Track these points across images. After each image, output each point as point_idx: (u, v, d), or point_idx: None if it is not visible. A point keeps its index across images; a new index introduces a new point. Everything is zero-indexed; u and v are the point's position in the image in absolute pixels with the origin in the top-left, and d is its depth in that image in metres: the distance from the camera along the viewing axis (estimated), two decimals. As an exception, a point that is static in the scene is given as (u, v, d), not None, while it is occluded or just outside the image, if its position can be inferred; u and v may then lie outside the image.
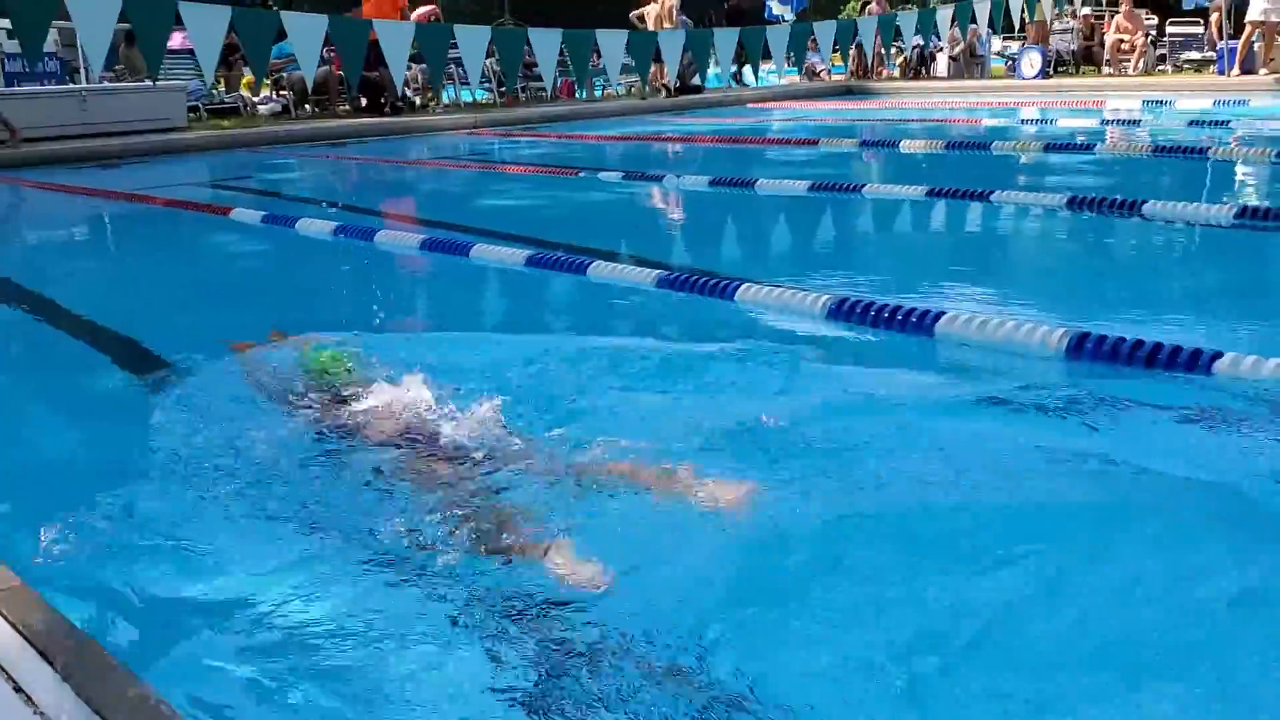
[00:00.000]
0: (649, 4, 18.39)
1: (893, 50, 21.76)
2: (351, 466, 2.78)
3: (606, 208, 8.13)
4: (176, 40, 12.78)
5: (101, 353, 4.10)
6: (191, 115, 14.27)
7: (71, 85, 13.52)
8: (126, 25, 10.75)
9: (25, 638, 1.83)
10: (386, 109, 15.12)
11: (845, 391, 3.29)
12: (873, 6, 21.01)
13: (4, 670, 1.74)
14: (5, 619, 1.89)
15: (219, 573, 2.35)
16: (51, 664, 1.76)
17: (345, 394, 3.13)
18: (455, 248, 5.92)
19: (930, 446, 2.80)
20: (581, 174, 9.53)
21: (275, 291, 5.55)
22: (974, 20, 18.10)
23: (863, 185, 7.64)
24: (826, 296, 4.14)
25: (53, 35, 12.63)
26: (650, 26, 17.53)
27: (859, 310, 3.99)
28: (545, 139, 13.41)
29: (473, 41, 10.54)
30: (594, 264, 5.14)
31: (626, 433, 2.85)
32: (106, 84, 13.29)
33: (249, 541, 2.47)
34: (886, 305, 3.93)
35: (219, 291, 5.52)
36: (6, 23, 12.96)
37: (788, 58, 15.85)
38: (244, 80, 16.30)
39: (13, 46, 14.17)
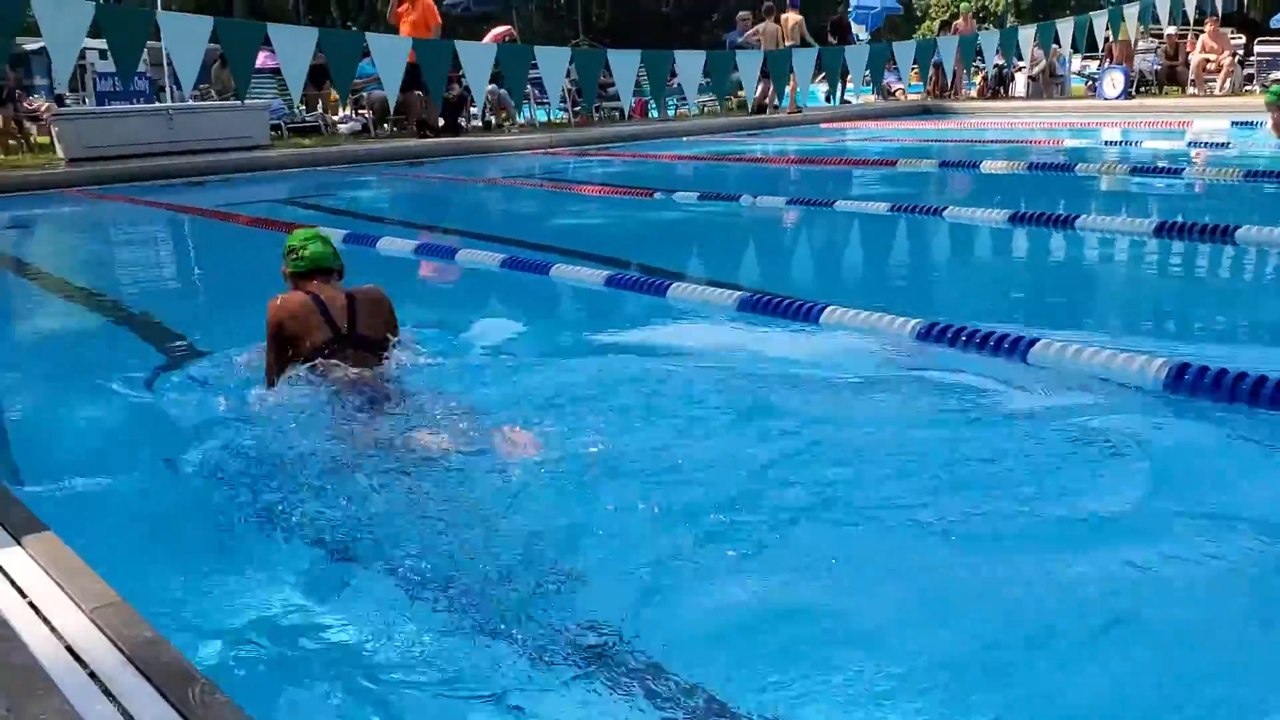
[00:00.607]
0: (764, 22, 18.33)
1: (971, 69, 21.55)
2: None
3: (683, 227, 8.11)
4: (259, 59, 13.05)
5: (193, 368, 4.15)
6: (273, 134, 14.54)
7: (159, 104, 13.85)
8: (217, 45, 11.00)
9: (124, 653, 1.85)
10: (443, 126, 15.28)
11: (939, 416, 3.23)
12: (959, 23, 20.81)
13: (105, 686, 1.75)
14: (105, 634, 1.91)
15: (306, 586, 2.36)
16: (150, 680, 1.77)
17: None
18: (535, 267, 5.94)
19: (1030, 476, 2.74)
20: (657, 194, 9.53)
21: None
22: (1056, 40, 17.84)
23: (943, 208, 7.53)
24: (916, 321, 4.07)
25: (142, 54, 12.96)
26: (765, 47, 17.49)
27: (949, 335, 3.90)
28: (621, 158, 13.45)
29: (553, 62, 10.62)
30: (674, 285, 5.12)
31: (701, 454, 2.85)
32: (192, 103, 13.60)
33: (341, 561, 2.48)
34: (978, 331, 3.84)
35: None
36: (99, 43, 13.32)
37: (865, 77, 15.77)
38: (331, 98, 16.59)
39: (104, 66, 14.58)
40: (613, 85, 15.12)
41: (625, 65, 11.06)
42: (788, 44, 17.30)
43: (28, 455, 3.27)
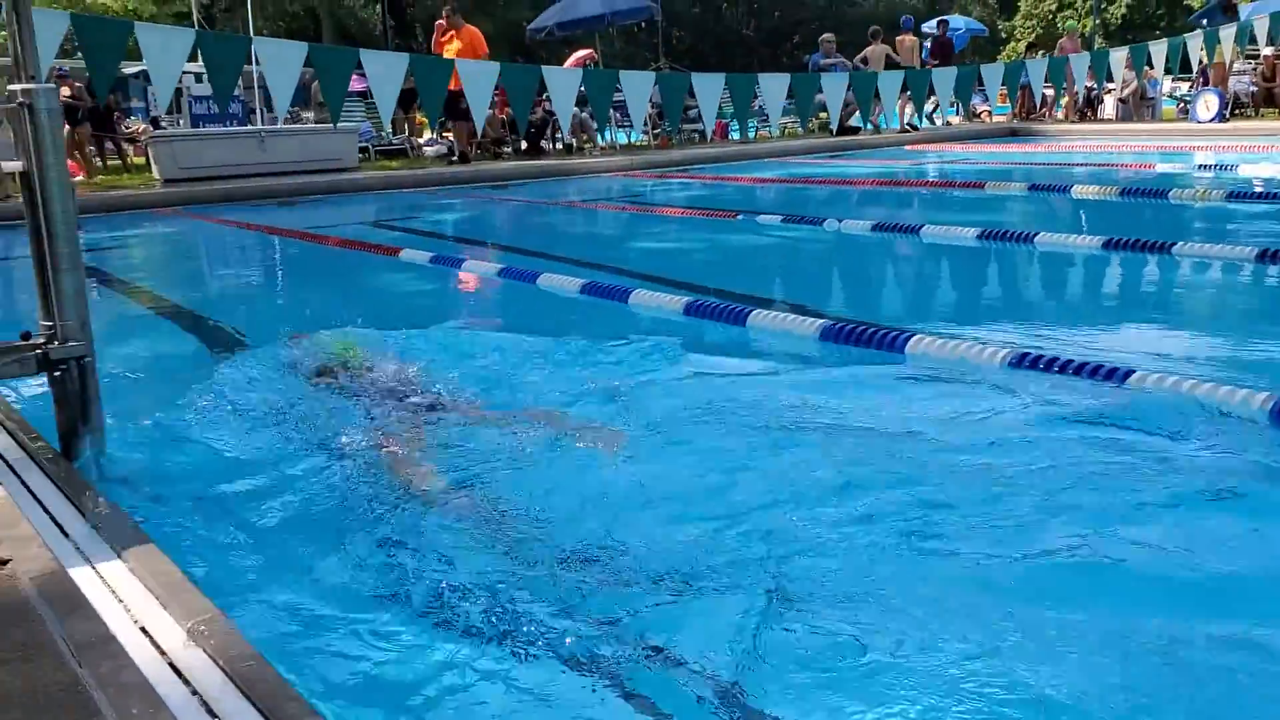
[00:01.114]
0: (871, 46, 18.36)
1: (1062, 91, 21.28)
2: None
3: (765, 252, 8.09)
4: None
5: (284, 383, 4.23)
6: (361, 156, 14.83)
7: (251, 127, 14.22)
8: (311, 69, 11.28)
9: (226, 672, 1.87)
10: (526, 149, 15.46)
11: (1033, 452, 3.16)
12: (1064, 42, 20.57)
13: (208, 705, 1.78)
14: (207, 653, 1.93)
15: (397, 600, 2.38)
16: (250, 699, 1.79)
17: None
18: (614, 293, 5.94)
19: (1130, 511, 2.67)
20: (740, 216, 9.52)
21: (439, 329, 5.65)
22: (1149, 62, 17.50)
23: (1034, 234, 7.39)
24: (1005, 350, 3.99)
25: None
26: (872, 67, 17.50)
27: (1042, 365, 3.82)
28: (702, 181, 13.47)
29: (637, 86, 10.70)
30: (754, 313, 5.07)
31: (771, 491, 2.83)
32: (283, 126, 13.94)
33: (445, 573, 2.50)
34: (1072, 361, 3.76)
35: (391, 326, 5.65)
36: (194, 66, 13.72)
37: (952, 99, 15.65)
38: (419, 121, 16.92)
39: (199, 89, 15.02)
40: (694, 107, 15.19)
41: (709, 88, 11.09)
42: (905, 66, 17.36)
43: (127, 468, 3.35)
